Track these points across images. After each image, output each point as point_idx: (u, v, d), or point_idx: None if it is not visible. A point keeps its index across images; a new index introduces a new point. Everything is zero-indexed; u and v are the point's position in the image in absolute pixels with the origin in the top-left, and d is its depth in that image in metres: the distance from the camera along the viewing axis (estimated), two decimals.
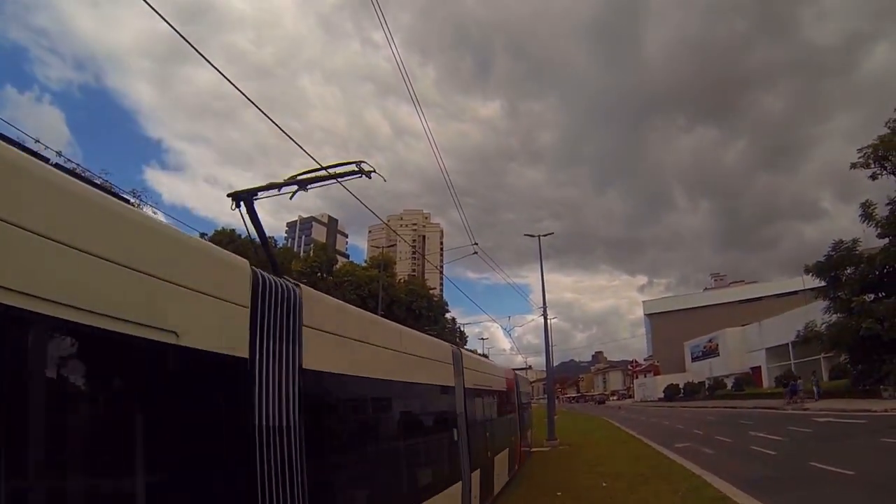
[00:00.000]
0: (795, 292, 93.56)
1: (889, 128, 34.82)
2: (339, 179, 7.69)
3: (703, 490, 13.93)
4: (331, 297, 7.20)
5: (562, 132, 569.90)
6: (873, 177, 35.09)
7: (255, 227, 7.13)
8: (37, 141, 22.44)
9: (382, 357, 7.76)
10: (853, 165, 36.21)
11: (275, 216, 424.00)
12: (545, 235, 37.42)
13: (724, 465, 17.62)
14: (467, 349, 14.58)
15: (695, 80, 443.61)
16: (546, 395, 40.87)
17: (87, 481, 3.21)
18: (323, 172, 7.45)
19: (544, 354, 37.51)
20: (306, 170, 7.60)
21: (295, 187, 7.32)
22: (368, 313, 8.60)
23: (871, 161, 35.40)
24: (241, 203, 6.93)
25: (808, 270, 39.34)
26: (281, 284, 5.28)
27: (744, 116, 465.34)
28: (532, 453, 25.59)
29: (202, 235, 53.73)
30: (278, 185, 7.21)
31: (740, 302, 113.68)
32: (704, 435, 29.01)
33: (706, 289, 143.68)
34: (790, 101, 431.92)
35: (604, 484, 16.27)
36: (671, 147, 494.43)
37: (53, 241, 2.90)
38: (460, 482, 10.86)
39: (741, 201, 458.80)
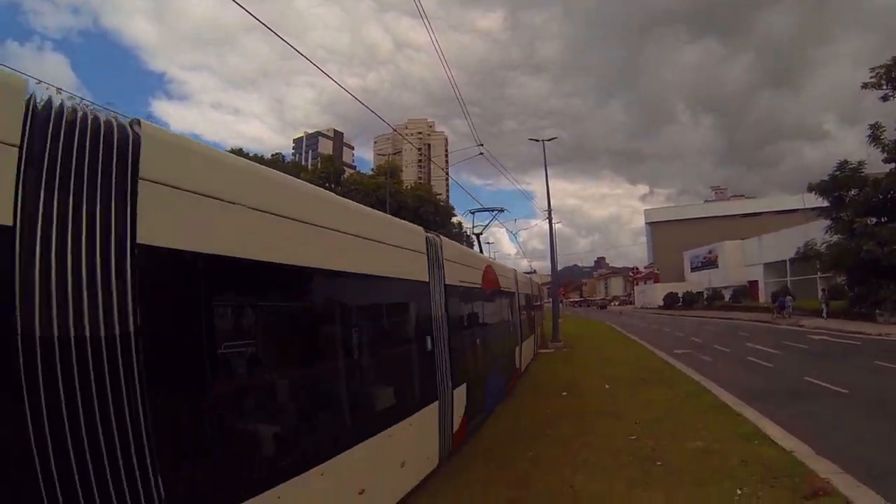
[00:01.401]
0: (795, 210, 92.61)
1: None
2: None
3: (702, 396, 14.22)
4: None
5: (565, 43, 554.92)
6: (885, 98, 33.86)
7: None
8: (39, 82, 22.16)
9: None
10: (864, 85, 34.86)
11: (282, 134, 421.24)
12: (549, 140, 36.99)
13: (723, 374, 17.88)
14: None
15: None
16: (550, 299, 41.35)
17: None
18: None
19: (549, 258, 38.08)
20: None
21: None
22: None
23: (883, 81, 34.21)
24: None
25: (811, 189, 38.43)
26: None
27: (749, 32, 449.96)
28: (537, 354, 26.18)
29: None
30: None
31: (741, 216, 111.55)
32: (703, 343, 29.39)
33: (706, 201, 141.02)
34: (797, 19, 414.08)
35: (606, 386, 16.60)
36: (674, 61, 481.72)
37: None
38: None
39: (743, 118, 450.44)
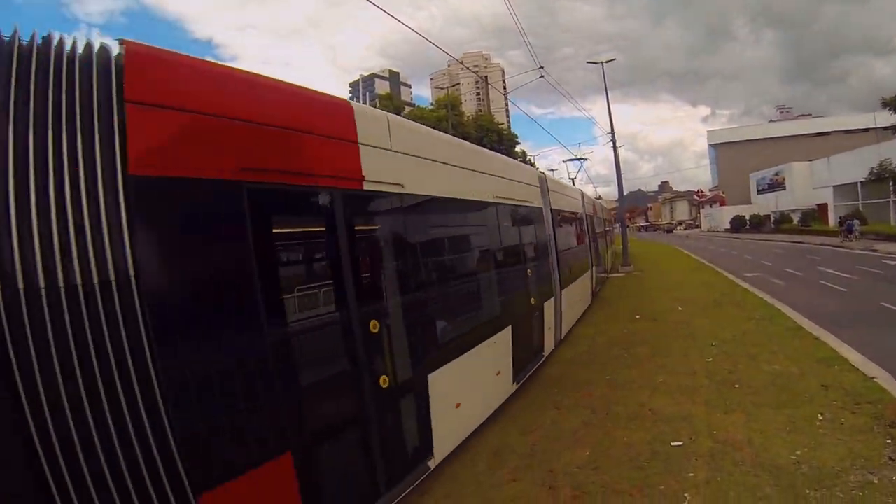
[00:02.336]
0: (866, 129, 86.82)
1: None
2: None
3: (777, 319, 13.68)
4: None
5: None
6: None
7: None
8: None
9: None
10: None
11: (336, 80, 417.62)
12: (608, 62, 34.93)
13: (795, 297, 17.13)
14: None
15: None
16: (618, 224, 40.52)
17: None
18: None
19: (616, 182, 36.34)
20: None
21: None
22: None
23: None
24: None
25: (885, 104, 35.84)
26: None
27: None
28: (608, 279, 25.85)
29: None
30: None
31: (808, 135, 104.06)
32: (773, 267, 28.20)
33: (771, 121, 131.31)
34: None
35: (679, 308, 16.23)
36: None
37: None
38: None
39: (807, 32, 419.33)
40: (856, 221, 44.91)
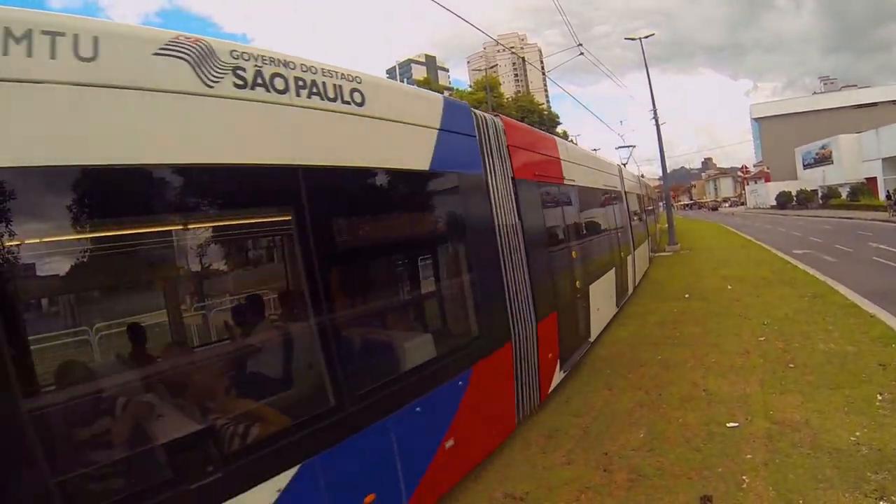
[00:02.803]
0: None
1: None
2: None
3: (830, 297, 13.21)
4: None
5: None
6: None
7: None
8: None
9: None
10: None
11: (373, 66, 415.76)
12: (646, 37, 33.19)
13: (848, 274, 16.47)
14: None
15: None
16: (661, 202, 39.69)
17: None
18: None
19: (659, 161, 35.13)
20: None
21: None
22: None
23: None
24: None
25: None
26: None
27: None
28: (655, 258, 25.46)
29: None
30: None
31: (854, 107, 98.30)
32: (823, 243, 27.28)
33: (815, 93, 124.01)
34: None
35: (729, 287, 15.85)
36: None
37: None
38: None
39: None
40: None
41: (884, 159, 61.41)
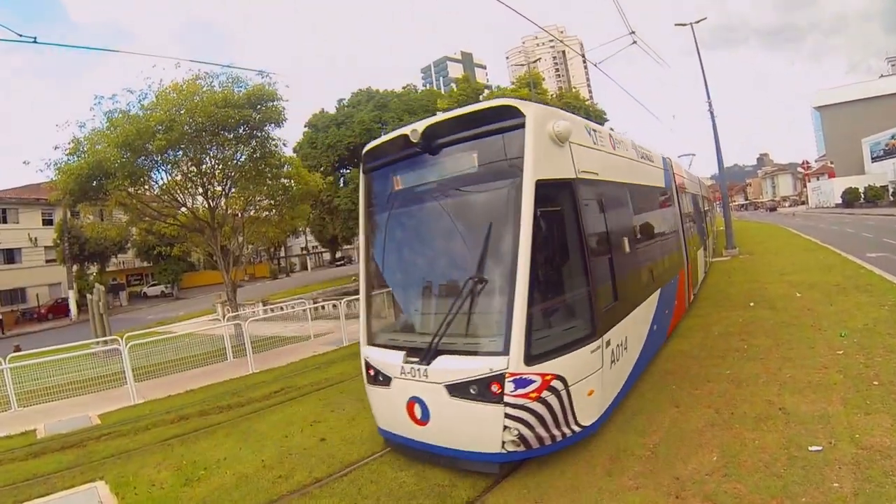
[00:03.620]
0: None
1: None
2: None
3: None
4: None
5: None
6: None
7: None
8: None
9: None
10: None
11: (407, 65, 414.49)
12: (697, 22, 31.44)
13: None
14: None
15: None
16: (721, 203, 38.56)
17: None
18: None
19: (716, 158, 33.16)
20: None
21: None
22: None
23: None
24: None
25: None
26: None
27: None
28: (713, 263, 24.72)
29: (340, 101, 55.15)
30: None
31: None
32: None
33: (882, 76, 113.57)
34: None
35: (798, 294, 15.17)
36: None
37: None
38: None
39: None
40: None
41: None
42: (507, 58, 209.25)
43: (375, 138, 8.35)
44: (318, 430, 9.03)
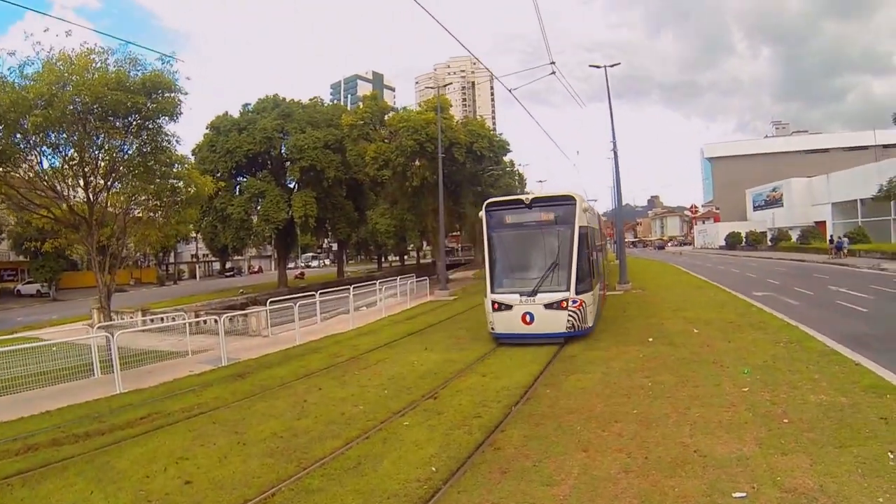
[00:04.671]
0: (866, 147, 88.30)
1: None
2: None
3: (807, 343, 12.94)
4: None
5: None
6: None
7: None
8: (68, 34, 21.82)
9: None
10: None
11: (317, 79, 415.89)
12: (612, 66, 32.67)
13: (816, 319, 16.60)
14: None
15: None
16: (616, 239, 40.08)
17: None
18: None
19: (614, 194, 35.88)
20: None
21: None
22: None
23: None
24: None
25: None
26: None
27: None
28: (607, 296, 25.10)
29: (245, 106, 53.71)
30: None
31: (806, 152, 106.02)
32: (781, 285, 27.91)
33: (767, 137, 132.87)
34: None
35: (695, 330, 15.45)
36: None
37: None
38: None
39: (806, 49, 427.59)
40: (845, 240, 48.13)
41: (833, 204, 64.42)
42: (417, 82, 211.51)
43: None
44: (184, 469, 7.78)
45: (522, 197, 16.97)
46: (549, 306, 15.09)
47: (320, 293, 25.37)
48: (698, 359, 12.03)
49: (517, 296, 15.40)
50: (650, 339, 14.65)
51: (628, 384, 10.50)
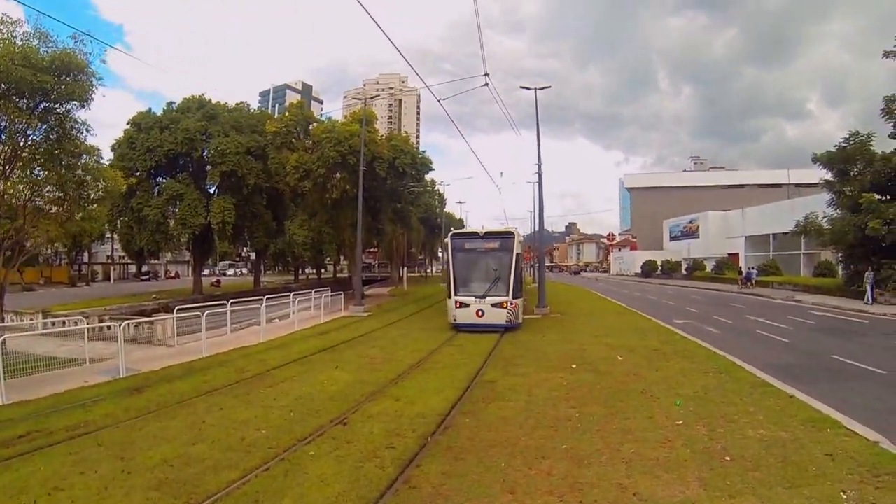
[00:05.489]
0: (779, 185, 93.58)
1: None
2: None
3: (736, 373, 12.72)
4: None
5: (546, 4, 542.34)
6: None
7: None
8: None
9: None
10: (886, 54, 33.74)
11: (247, 86, 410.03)
12: (542, 88, 33.34)
13: (741, 348, 16.64)
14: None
15: None
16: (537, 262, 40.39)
17: None
18: None
19: (536, 217, 39.02)
20: None
21: None
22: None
23: None
24: None
25: (815, 160, 36.94)
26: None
27: (738, 4, 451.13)
28: (525, 319, 24.81)
29: (170, 104, 52.03)
30: None
31: (723, 187, 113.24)
32: (700, 314, 28.39)
33: (685, 171, 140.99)
34: None
35: (619, 357, 15.05)
36: (659, 27, 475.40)
37: None
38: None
39: (725, 91, 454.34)
40: (754, 271, 52.28)
41: (747, 237, 67.31)
42: (346, 97, 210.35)
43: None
44: (56, 502, 6.59)
45: (478, 230, 24.75)
46: (494, 305, 22.35)
47: (232, 302, 24.40)
48: (626, 388, 11.51)
49: (473, 298, 22.72)
50: (573, 366, 14.10)
51: (554, 415, 9.80)
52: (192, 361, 16.62)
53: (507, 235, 23.74)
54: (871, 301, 30.19)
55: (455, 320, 22.91)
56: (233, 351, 18.45)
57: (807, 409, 9.58)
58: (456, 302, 22.84)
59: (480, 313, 22.31)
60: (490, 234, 23.95)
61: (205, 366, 15.94)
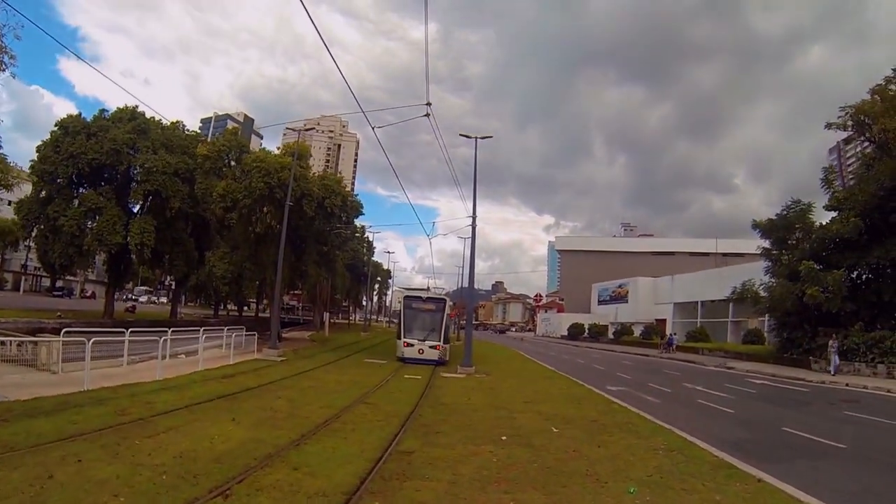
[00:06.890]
0: (707, 254, 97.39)
1: (876, 93, 33.79)
2: None
3: (690, 451, 11.38)
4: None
5: (492, 66, 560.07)
6: (848, 140, 34.61)
7: None
8: None
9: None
10: (829, 125, 35.13)
11: (190, 113, 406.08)
12: (483, 138, 33.47)
13: (685, 419, 15.49)
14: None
15: (634, 39, 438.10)
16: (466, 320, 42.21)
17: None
18: None
19: (468, 271, 40.49)
20: None
21: None
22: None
23: (850, 122, 34.59)
24: None
25: (755, 227, 38.22)
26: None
27: (674, 83, 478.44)
28: (449, 378, 23.42)
29: (102, 112, 49.67)
30: None
31: (653, 253, 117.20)
32: (634, 380, 27.54)
33: (615, 236, 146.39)
34: (721, 78, 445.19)
35: (554, 429, 13.46)
36: (598, 98, 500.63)
37: None
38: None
39: (657, 162, 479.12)
40: (675, 336, 55.29)
41: (675, 303, 68.86)
42: (286, 134, 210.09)
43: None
44: None
45: (422, 294, 38.02)
46: (431, 347, 32.50)
47: (139, 332, 22.64)
48: (567, 469, 9.90)
49: (416, 340, 32.89)
50: (503, 438, 12.40)
51: (483, 501, 8.11)
52: (69, 394, 14.29)
53: (441, 300, 35.44)
54: (834, 371, 30.17)
55: (403, 355, 32.80)
56: (121, 387, 16.02)
57: (780, 496, 8.34)
58: (404, 342, 33.20)
59: (421, 351, 32.59)
60: (430, 298, 36.12)
61: (81, 401, 13.53)
